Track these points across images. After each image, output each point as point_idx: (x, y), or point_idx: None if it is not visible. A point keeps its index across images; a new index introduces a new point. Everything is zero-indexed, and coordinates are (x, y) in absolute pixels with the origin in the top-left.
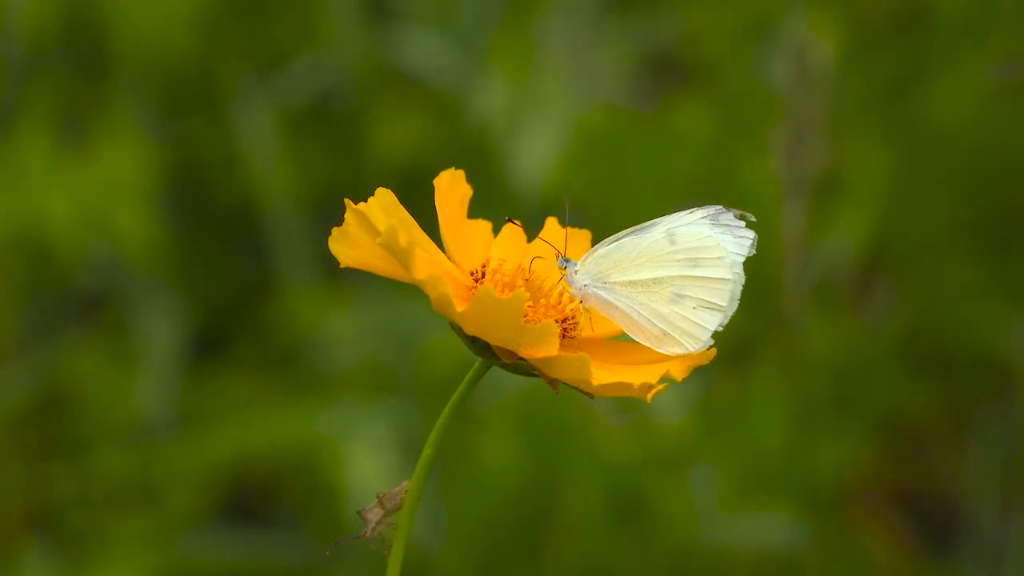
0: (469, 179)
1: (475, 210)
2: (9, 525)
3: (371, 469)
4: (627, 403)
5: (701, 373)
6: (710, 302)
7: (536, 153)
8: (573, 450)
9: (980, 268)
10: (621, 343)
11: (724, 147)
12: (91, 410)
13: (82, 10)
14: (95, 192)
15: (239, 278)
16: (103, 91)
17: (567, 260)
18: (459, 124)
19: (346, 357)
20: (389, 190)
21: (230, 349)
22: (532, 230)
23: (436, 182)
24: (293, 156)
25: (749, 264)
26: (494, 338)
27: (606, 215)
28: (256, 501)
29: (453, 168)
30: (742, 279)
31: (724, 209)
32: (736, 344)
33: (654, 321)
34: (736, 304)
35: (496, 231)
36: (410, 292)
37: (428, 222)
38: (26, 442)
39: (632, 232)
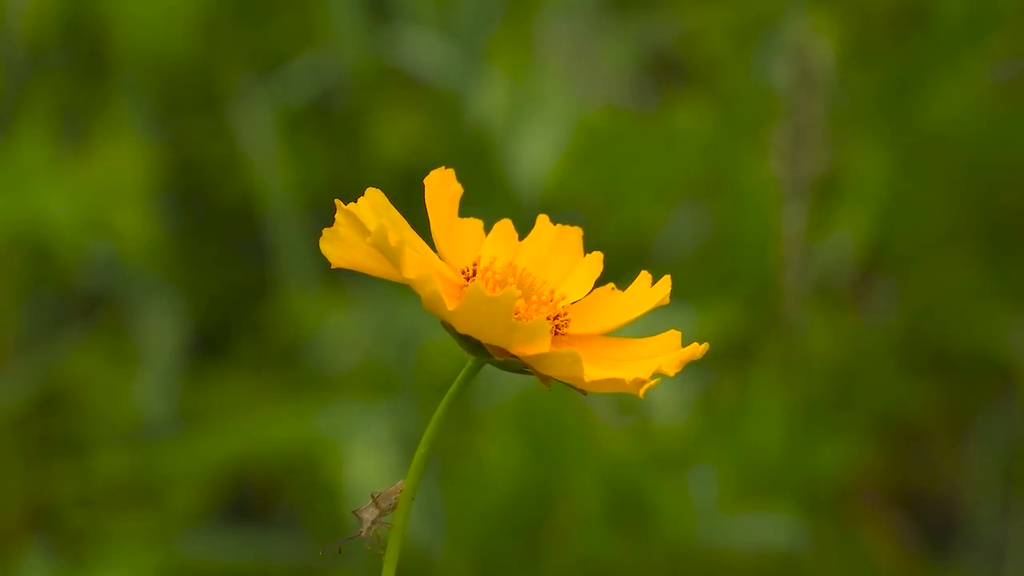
0: (469, 179)
1: (475, 210)
2: (9, 525)
3: (371, 469)
4: (627, 403)
5: (701, 373)
6: None
7: (536, 153)
8: (573, 450)
9: (980, 268)
10: (613, 339)
11: (724, 147)
12: (91, 410)
13: (82, 10)
14: (95, 192)
15: (239, 278)
16: (103, 91)
17: None
18: (459, 124)
19: (346, 357)
20: (379, 190)
21: (230, 349)
22: (530, 231)
23: (426, 181)
24: (293, 156)
25: (750, 264)
26: (486, 336)
27: (606, 215)
28: (256, 501)
29: (443, 167)
30: None
31: None
32: (736, 344)
33: None
34: None
35: (487, 230)
36: (409, 292)
37: (427, 222)
38: (26, 442)
39: None
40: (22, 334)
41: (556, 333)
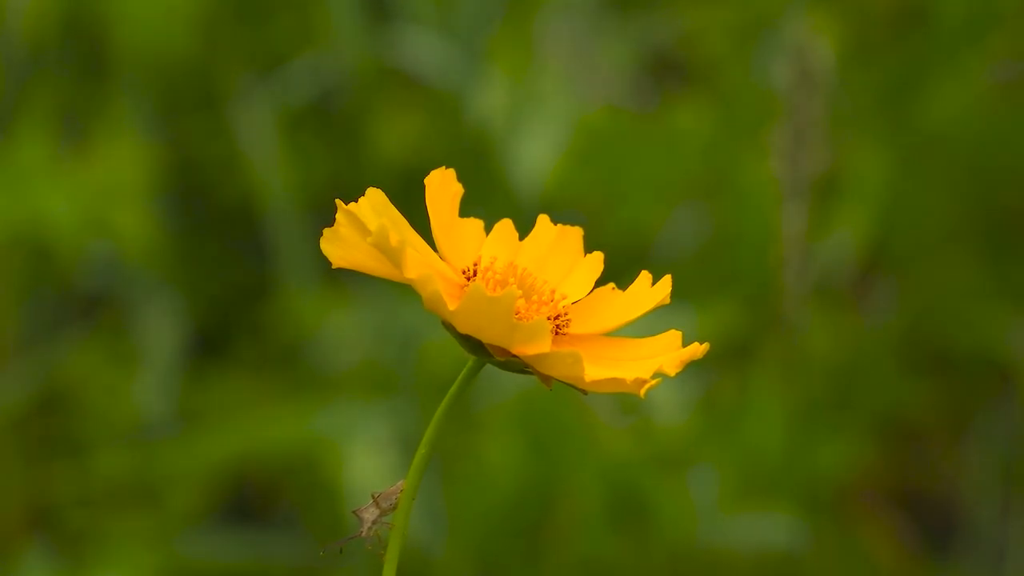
0: (469, 179)
1: (475, 210)
2: (9, 525)
3: (371, 469)
4: (627, 403)
5: (701, 373)
6: None
7: (536, 153)
8: (573, 450)
9: (980, 268)
10: (614, 339)
11: (724, 147)
12: (91, 410)
13: (82, 10)
14: (95, 192)
15: (239, 278)
16: (103, 91)
17: None
18: (459, 124)
19: (346, 357)
20: (379, 190)
21: (230, 349)
22: (530, 231)
23: (427, 181)
24: (293, 156)
25: (750, 264)
26: (486, 336)
27: (606, 215)
28: (256, 501)
29: (444, 167)
30: None
31: None
32: (736, 344)
33: None
34: None
35: (488, 230)
36: (409, 292)
37: (428, 222)
38: (26, 442)
39: None
40: (22, 334)
41: (557, 333)
